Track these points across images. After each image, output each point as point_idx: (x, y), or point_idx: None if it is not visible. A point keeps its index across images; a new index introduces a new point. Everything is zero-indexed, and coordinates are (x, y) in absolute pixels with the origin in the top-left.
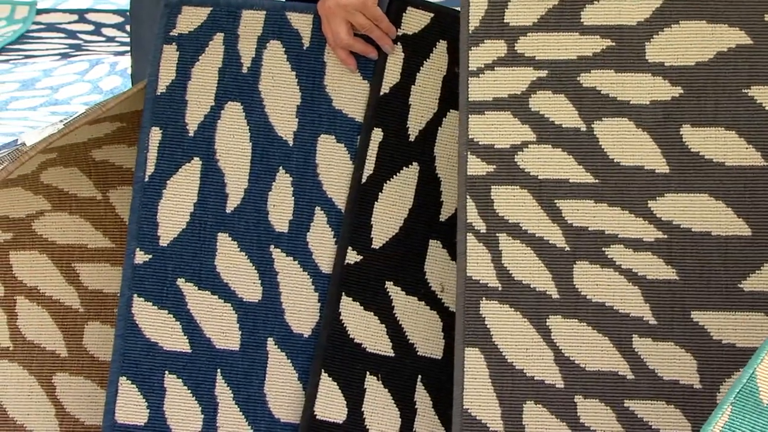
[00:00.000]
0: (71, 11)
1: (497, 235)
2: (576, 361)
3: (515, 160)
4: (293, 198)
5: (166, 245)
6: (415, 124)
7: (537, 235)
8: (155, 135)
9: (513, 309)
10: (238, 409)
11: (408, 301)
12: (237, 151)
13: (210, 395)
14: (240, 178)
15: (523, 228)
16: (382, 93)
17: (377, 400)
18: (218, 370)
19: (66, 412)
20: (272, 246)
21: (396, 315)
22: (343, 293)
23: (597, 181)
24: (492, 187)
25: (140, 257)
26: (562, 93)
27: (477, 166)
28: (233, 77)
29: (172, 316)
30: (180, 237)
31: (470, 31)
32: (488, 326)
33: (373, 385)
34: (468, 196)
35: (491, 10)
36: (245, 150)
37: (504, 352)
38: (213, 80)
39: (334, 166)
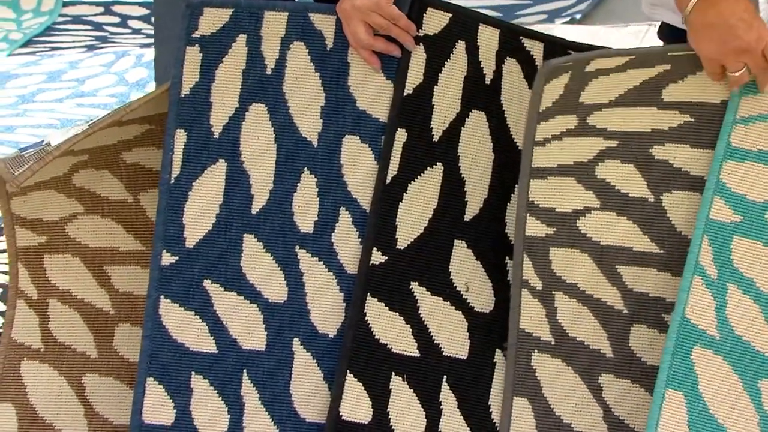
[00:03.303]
0: (97, 3)
1: (553, 292)
2: (626, 421)
3: (577, 224)
4: (318, 199)
5: (192, 246)
6: (438, 125)
7: (595, 296)
8: (180, 137)
9: (565, 363)
10: (264, 409)
11: (433, 301)
12: (262, 153)
13: (236, 395)
14: (265, 179)
15: (581, 288)
16: (405, 93)
17: (402, 400)
18: (244, 371)
19: (95, 412)
20: (297, 246)
21: (421, 315)
22: (369, 294)
23: (662, 251)
24: (551, 248)
25: (166, 259)
26: (631, 163)
27: (536, 228)
28: (257, 79)
29: (198, 317)
30: (206, 238)
31: (540, 110)
32: (538, 378)
33: (398, 385)
34: (525, 255)
35: (567, 93)
36: (270, 151)
37: (552, 405)
38: (237, 82)
39: (358, 167)
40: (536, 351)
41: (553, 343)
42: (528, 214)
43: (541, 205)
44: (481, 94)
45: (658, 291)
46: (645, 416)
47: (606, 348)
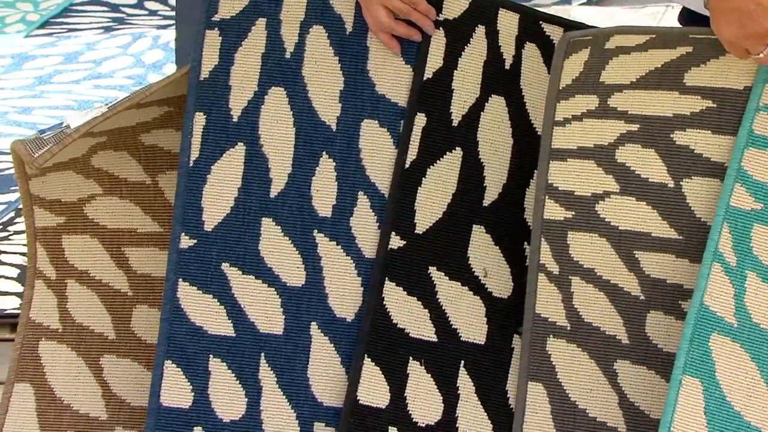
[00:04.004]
0: None
1: (570, 277)
2: (641, 407)
3: (595, 208)
4: (336, 183)
5: (210, 230)
6: (458, 109)
7: (612, 281)
8: (199, 120)
9: (580, 349)
10: (282, 392)
11: (451, 286)
12: (280, 136)
13: (254, 379)
14: (284, 163)
15: (598, 274)
16: (425, 78)
17: (420, 385)
18: (262, 354)
19: (112, 393)
20: (316, 231)
21: (439, 300)
22: (387, 278)
23: (681, 237)
24: (569, 232)
25: (185, 242)
26: (652, 148)
27: (554, 211)
28: (276, 62)
29: (216, 300)
30: (224, 222)
31: (560, 88)
32: (554, 363)
33: (416, 370)
34: (543, 239)
35: (586, 71)
36: (289, 135)
37: (567, 390)
38: (256, 65)
39: (377, 151)
40: (551, 336)
41: (568, 328)
42: (546, 197)
43: (560, 188)
44: (501, 78)
45: (675, 277)
46: (661, 402)
47: (622, 334)
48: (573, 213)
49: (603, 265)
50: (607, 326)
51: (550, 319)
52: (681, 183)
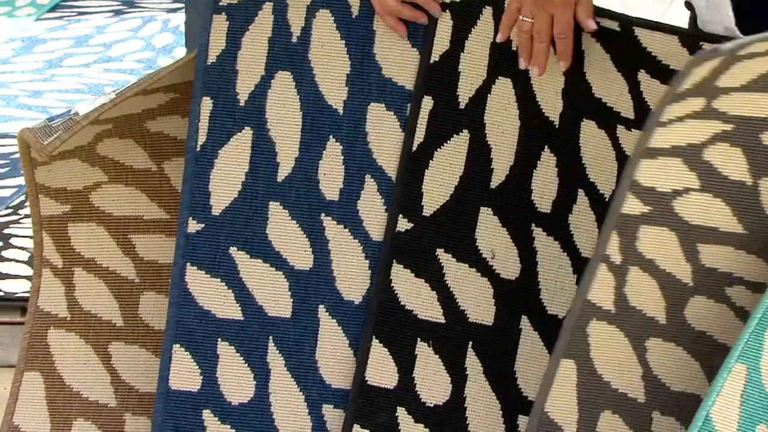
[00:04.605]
0: None
1: (629, 267)
2: (662, 380)
3: (672, 204)
4: (343, 166)
5: (218, 214)
6: (465, 92)
7: (667, 270)
8: (206, 105)
9: (618, 329)
10: (290, 375)
11: (459, 268)
12: (287, 121)
13: (262, 362)
14: (291, 147)
15: (657, 264)
16: (431, 61)
17: (428, 366)
18: (270, 337)
19: (121, 380)
20: (323, 214)
21: (447, 282)
22: (394, 261)
23: (746, 232)
24: (641, 226)
25: (193, 226)
26: (739, 147)
27: (633, 207)
28: (283, 47)
29: (224, 284)
30: (232, 206)
31: (676, 92)
32: (590, 342)
33: (423, 351)
34: (614, 232)
35: (708, 77)
36: (296, 119)
37: (596, 365)
38: (263, 50)
39: (384, 135)
40: (595, 319)
41: (613, 311)
42: (629, 192)
43: (643, 184)
44: (508, 60)
45: (727, 266)
46: (682, 376)
47: (661, 316)
48: (650, 208)
49: (665, 256)
50: (649, 309)
51: (597, 304)
52: (758, 181)
